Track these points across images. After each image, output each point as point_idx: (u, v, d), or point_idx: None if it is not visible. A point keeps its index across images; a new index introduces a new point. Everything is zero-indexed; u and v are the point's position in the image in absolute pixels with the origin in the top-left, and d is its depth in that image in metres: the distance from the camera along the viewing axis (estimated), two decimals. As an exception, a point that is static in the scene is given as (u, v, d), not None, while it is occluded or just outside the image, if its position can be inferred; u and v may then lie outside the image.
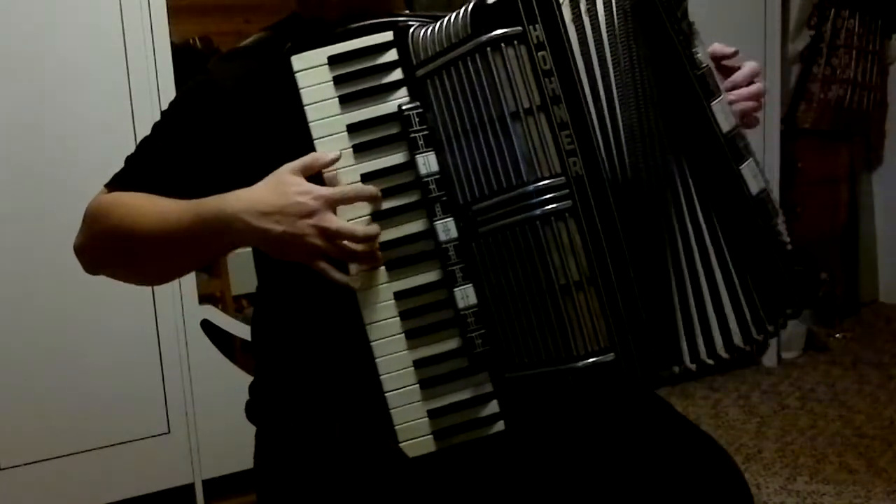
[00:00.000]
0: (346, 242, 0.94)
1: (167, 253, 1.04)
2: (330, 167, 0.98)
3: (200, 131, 1.07)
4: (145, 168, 1.09)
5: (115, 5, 2.05)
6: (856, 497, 2.21)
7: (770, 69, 2.97)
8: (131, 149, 2.06)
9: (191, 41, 2.96)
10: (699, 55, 1.00)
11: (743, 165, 1.00)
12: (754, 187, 1.00)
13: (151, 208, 1.03)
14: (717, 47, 1.09)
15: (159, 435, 2.22)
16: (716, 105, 1.00)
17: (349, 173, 0.98)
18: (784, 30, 3.13)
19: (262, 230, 0.94)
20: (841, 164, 3.49)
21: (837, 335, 3.43)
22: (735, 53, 1.10)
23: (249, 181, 0.98)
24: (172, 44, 2.13)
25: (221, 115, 1.06)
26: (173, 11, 2.12)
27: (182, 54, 2.27)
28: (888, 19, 3.48)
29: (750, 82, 1.10)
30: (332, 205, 0.94)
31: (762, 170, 1.04)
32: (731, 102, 1.05)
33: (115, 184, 1.10)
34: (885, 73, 3.61)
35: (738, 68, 1.11)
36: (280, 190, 0.94)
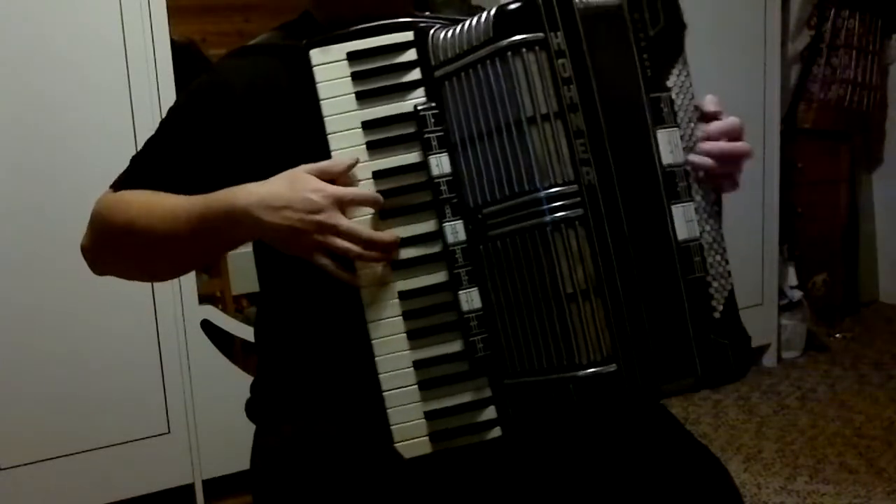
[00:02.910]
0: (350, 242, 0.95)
1: (176, 247, 1.04)
2: (346, 173, 0.98)
3: (208, 130, 1.07)
4: (152, 167, 1.09)
5: (115, 5, 2.05)
6: (856, 497, 2.21)
7: (770, 69, 2.98)
8: (131, 148, 2.08)
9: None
10: (669, 81, 0.98)
11: (676, 205, 0.97)
12: (683, 233, 0.97)
13: (159, 204, 1.03)
14: (708, 100, 1.04)
15: (159, 435, 2.22)
16: (662, 133, 0.97)
17: (361, 170, 0.98)
18: (784, 30, 3.13)
19: (269, 223, 0.95)
20: (841, 164, 3.49)
21: (837, 335, 3.43)
22: (717, 113, 1.04)
23: (261, 178, 0.98)
24: (172, 43, 2.13)
25: (230, 114, 1.06)
26: (173, 11, 2.12)
27: (182, 54, 2.27)
28: (888, 19, 3.48)
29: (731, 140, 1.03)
30: (341, 204, 0.95)
31: (715, 226, 0.99)
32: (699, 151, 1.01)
33: (121, 183, 1.10)
34: (885, 73, 3.61)
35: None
36: (291, 186, 0.95)
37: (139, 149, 1.12)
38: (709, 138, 1.02)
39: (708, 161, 1.00)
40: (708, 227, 0.99)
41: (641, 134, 0.97)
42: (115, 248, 1.08)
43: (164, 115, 1.13)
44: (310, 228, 0.94)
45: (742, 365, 0.99)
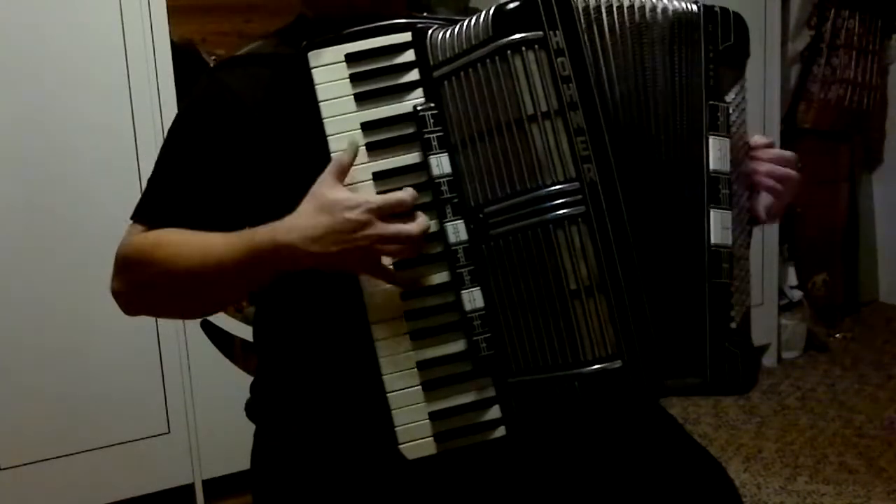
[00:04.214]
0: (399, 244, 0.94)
1: (220, 290, 1.04)
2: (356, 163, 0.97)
3: (215, 143, 1.06)
4: (170, 193, 1.07)
5: (115, 5, 2.05)
6: (856, 497, 2.21)
7: (770, 69, 2.97)
8: (131, 148, 2.08)
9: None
10: (728, 97, 1.01)
11: (715, 209, 0.98)
12: (717, 237, 0.98)
13: (198, 247, 1.01)
14: (756, 138, 1.09)
15: (159, 435, 2.22)
16: (714, 140, 0.99)
17: (362, 171, 0.98)
18: (784, 30, 3.13)
19: (320, 255, 0.93)
20: (841, 164, 3.49)
21: (837, 335, 3.43)
22: (769, 144, 1.09)
23: (272, 189, 0.98)
24: (172, 43, 2.13)
25: (234, 123, 1.05)
26: (173, 11, 2.12)
27: (182, 54, 2.26)
28: (888, 19, 3.48)
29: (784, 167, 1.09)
30: (382, 214, 0.93)
31: (745, 243, 1.02)
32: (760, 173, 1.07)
33: (143, 216, 1.08)
34: (885, 73, 3.61)
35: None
36: (327, 210, 0.93)
37: (151, 173, 1.10)
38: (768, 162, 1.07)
39: (769, 182, 1.06)
40: (739, 242, 1.01)
41: (695, 136, 0.99)
42: (153, 294, 1.06)
43: (168, 132, 1.11)
44: (360, 245, 0.92)
45: (748, 379, 0.99)
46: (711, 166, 0.99)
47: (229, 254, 0.98)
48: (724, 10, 1.03)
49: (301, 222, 0.94)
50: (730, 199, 0.99)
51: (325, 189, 0.94)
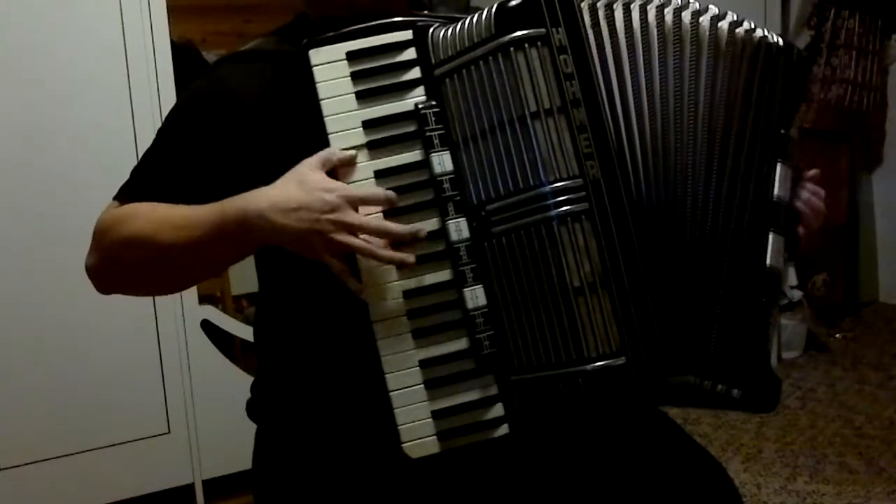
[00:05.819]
0: (364, 239, 0.94)
1: (191, 258, 1.03)
2: (347, 162, 0.97)
3: (209, 136, 1.06)
4: (155, 177, 1.07)
5: (115, 5, 2.05)
6: (856, 497, 2.21)
7: (770, 69, 2.98)
8: (131, 148, 2.08)
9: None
10: (791, 130, 1.03)
11: (774, 233, 1.01)
12: (772, 259, 1.00)
13: (171, 215, 1.02)
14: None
15: (159, 435, 2.22)
16: (781, 167, 1.02)
17: (363, 170, 0.98)
18: (784, 30, 3.13)
19: (284, 226, 0.94)
20: (841, 164, 3.49)
21: (837, 335, 3.43)
22: (816, 175, 1.12)
23: (262, 184, 0.98)
24: (172, 43, 2.13)
25: (230, 119, 1.05)
26: (173, 11, 2.13)
27: (182, 54, 2.27)
28: (888, 19, 3.48)
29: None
30: (355, 203, 0.94)
31: (789, 264, 1.05)
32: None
33: (125, 195, 1.08)
34: (885, 73, 3.61)
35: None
36: (303, 186, 0.94)
37: (139, 160, 1.10)
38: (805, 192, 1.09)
39: (804, 209, 1.08)
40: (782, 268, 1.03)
41: (763, 160, 1.01)
42: (125, 263, 1.05)
43: (163, 122, 1.11)
44: (325, 228, 0.93)
45: (774, 400, 1.00)
46: (776, 192, 1.01)
47: (200, 219, 0.99)
48: (799, 50, 1.06)
49: (275, 192, 0.96)
50: (787, 225, 1.02)
51: (307, 169, 0.96)
